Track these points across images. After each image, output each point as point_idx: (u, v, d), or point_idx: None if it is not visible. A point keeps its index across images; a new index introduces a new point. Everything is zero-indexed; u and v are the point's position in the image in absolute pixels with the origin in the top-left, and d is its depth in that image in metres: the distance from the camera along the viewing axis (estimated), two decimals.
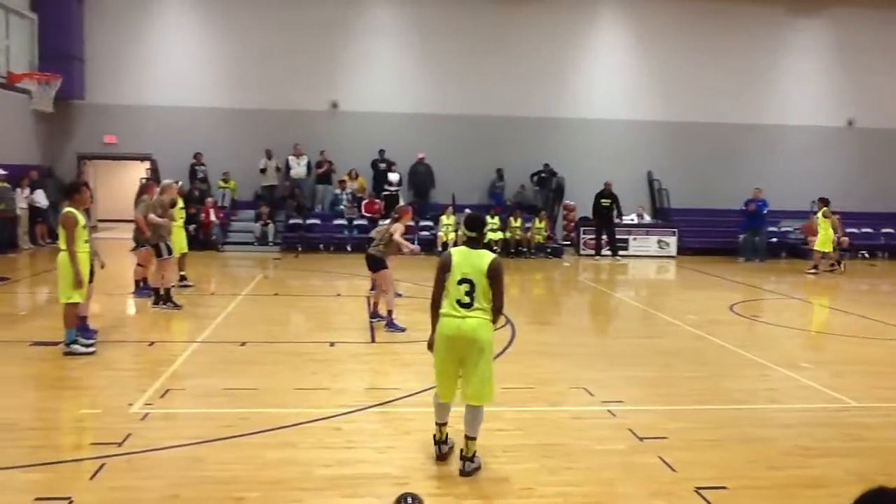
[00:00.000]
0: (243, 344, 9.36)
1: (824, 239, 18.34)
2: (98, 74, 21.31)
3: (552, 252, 21.07)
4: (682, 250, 21.61)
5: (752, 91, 23.52)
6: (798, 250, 21.83)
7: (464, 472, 5.38)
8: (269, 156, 21.10)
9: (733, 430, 6.56)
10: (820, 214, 18.64)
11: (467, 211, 20.57)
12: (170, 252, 11.88)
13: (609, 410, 6.96)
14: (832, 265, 18.76)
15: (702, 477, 5.46)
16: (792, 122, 23.67)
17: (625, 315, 13.37)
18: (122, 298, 12.48)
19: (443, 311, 5.38)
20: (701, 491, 5.21)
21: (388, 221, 11.18)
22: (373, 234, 11.12)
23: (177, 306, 11.57)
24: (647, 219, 22.48)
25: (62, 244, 8.45)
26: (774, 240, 21.93)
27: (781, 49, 23.81)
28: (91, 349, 8.55)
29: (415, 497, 4.07)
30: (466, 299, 5.30)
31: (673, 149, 23.10)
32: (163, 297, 11.62)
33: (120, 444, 5.75)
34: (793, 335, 11.40)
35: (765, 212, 20.70)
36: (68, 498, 4.82)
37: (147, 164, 21.53)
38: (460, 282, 5.30)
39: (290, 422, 6.39)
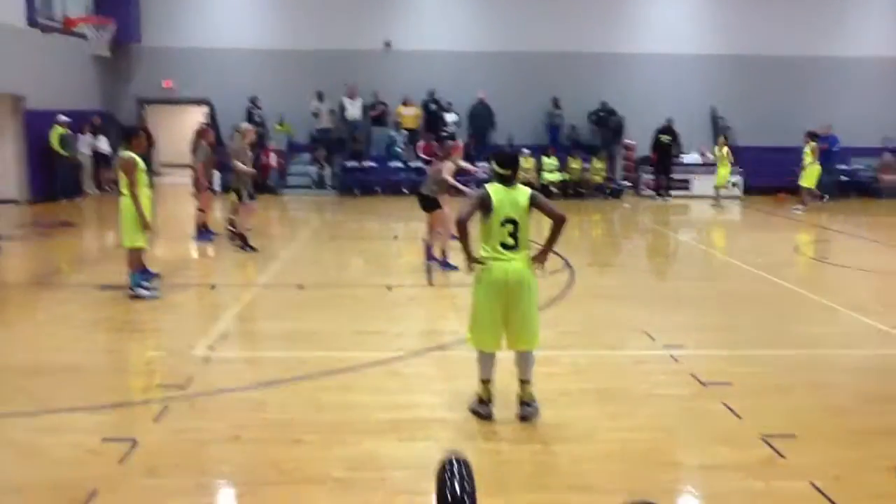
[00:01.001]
0: (302, 287, 9.40)
1: (810, 174, 17.96)
2: (153, 16, 21.38)
3: (612, 193, 20.67)
4: (748, 189, 20.97)
5: (822, 21, 22.22)
6: (869, 189, 21.02)
7: (523, 417, 5.31)
8: (320, 98, 20.95)
9: (801, 376, 6.35)
10: (807, 149, 18.04)
11: (526, 151, 20.34)
12: (251, 197, 11.81)
13: (671, 355, 6.79)
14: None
15: (768, 424, 5.29)
16: (864, 52, 22.42)
17: (687, 257, 13.06)
18: (183, 243, 12.67)
19: (485, 255, 5.18)
20: (768, 438, 5.05)
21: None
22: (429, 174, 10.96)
23: (254, 249, 11.61)
24: (711, 157, 21.79)
25: (123, 189, 8.53)
26: (844, 178, 21.08)
27: None
28: (155, 293, 8.70)
29: (460, 460, 3.91)
30: (511, 241, 5.12)
31: (738, 84, 22.14)
32: (241, 239, 11.64)
33: (183, 387, 5.84)
34: (863, 277, 10.90)
35: (835, 149, 19.91)
36: (133, 439, 4.91)
37: (204, 109, 21.64)
38: (503, 223, 5.10)
39: (348, 365, 6.40)
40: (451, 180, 10.32)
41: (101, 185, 19.53)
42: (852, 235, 14.98)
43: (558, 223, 5.20)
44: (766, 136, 21.57)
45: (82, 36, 17.24)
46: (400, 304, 8.81)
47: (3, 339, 7.48)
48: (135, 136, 8.72)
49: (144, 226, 8.51)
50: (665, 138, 20.38)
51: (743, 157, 21.27)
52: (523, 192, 5.18)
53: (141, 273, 8.84)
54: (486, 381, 5.35)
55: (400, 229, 14.62)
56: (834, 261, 11.99)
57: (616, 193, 20.74)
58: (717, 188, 19.39)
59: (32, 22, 14.68)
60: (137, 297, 8.56)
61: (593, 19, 21.86)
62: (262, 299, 9.03)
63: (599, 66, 21.93)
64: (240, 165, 11.57)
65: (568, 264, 10.84)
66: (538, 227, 5.58)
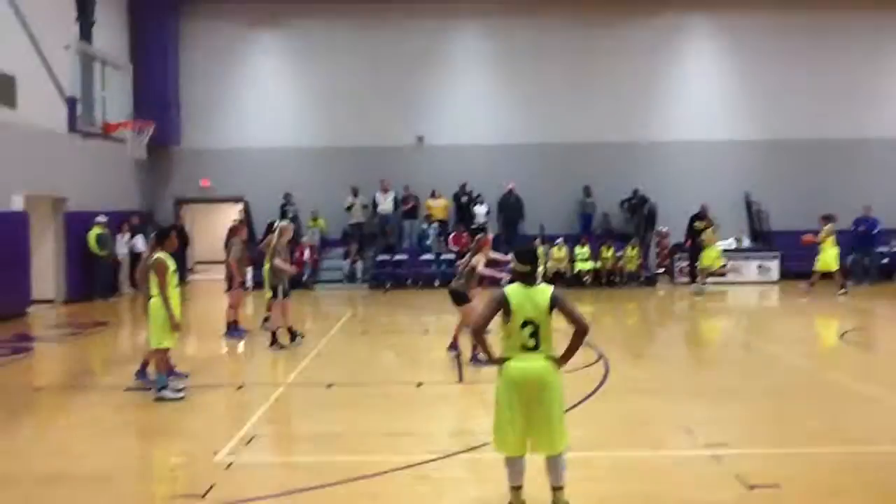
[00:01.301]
0: (330, 386, 9.23)
1: (828, 258, 17.21)
2: (193, 120, 22.08)
3: (645, 281, 20.38)
4: (786, 275, 20.56)
5: (856, 102, 22.18)
6: None
7: None
8: (354, 193, 21.28)
9: (854, 477, 5.96)
10: (823, 232, 17.43)
11: (559, 241, 20.30)
12: (286, 295, 11.75)
13: (713, 455, 6.44)
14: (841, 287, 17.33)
15: None
16: None
17: (726, 347, 12.63)
18: (213, 340, 12.62)
19: (508, 355, 5.03)
20: None
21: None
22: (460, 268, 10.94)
23: (282, 347, 11.53)
24: (747, 243, 21.52)
25: (153, 290, 8.55)
26: (885, 261, 20.60)
27: (886, 55, 22.53)
28: (180, 395, 8.58)
29: None
30: (531, 343, 4.97)
31: (772, 168, 22.07)
32: (274, 339, 11.59)
33: (203, 497, 5.64)
34: None
35: (875, 232, 19.54)
36: None
37: (240, 206, 22.01)
38: (523, 325, 4.95)
39: (375, 470, 6.15)
40: (484, 271, 10.40)
41: (137, 283, 19.74)
42: None
43: (580, 333, 5.04)
44: (803, 221, 21.23)
45: (121, 140, 17.80)
46: (430, 403, 8.57)
47: (29, 442, 7.36)
48: (166, 236, 8.80)
49: (174, 327, 8.49)
50: (699, 224, 20.19)
51: (779, 242, 20.97)
52: (544, 293, 5.02)
53: (168, 374, 8.75)
54: (516, 488, 5.09)
55: (431, 323, 14.43)
56: (881, 349, 11.52)
57: (650, 281, 20.45)
58: (702, 270, 18.84)
59: (73, 128, 15.27)
60: (163, 399, 8.45)
61: (624, 109, 22.12)
62: (290, 399, 8.85)
63: (631, 155, 22.06)
64: (280, 263, 11.63)
65: (602, 356, 10.57)
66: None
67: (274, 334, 11.64)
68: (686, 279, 20.30)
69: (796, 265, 20.53)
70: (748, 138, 22.25)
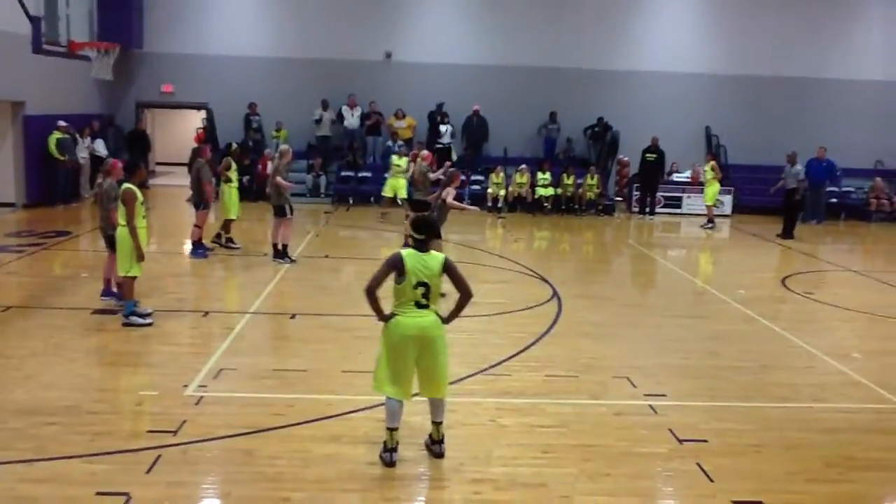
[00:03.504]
0: (293, 317, 9.60)
1: (710, 193, 19.24)
2: (156, 23, 21.46)
3: (604, 210, 20.83)
4: (739, 209, 21.22)
5: (817, 44, 22.53)
6: (859, 211, 21.29)
7: (440, 454, 5.76)
8: (324, 106, 21.11)
9: (776, 434, 6.55)
10: (707, 168, 19.31)
11: (522, 166, 20.53)
12: (292, 212, 12.65)
13: (651, 406, 7.01)
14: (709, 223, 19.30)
15: (740, 489, 5.50)
16: (859, 76, 22.67)
17: (673, 288, 13.01)
18: (178, 258, 12.80)
19: (399, 311, 5.61)
20: None
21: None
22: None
23: (293, 261, 12.57)
24: (703, 176, 21.99)
25: (121, 220, 8.69)
26: (834, 200, 21.31)
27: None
28: (149, 321, 8.86)
29: None
30: (423, 301, 5.59)
31: (733, 103, 22.38)
32: (280, 253, 12.55)
33: (175, 433, 6.01)
34: (845, 318, 10.91)
35: (838, 173, 20.47)
36: (126, 493, 5.08)
37: (203, 114, 21.73)
38: (416, 286, 5.54)
39: (336, 411, 6.60)
40: (455, 203, 10.93)
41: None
42: (839, 266, 15.05)
43: (465, 298, 5.69)
44: (759, 156, 21.86)
45: (86, 58, 17.46)
46: None
47: (1, 369, 7.60)
48: (136, 168, 8.91)
49: (139, 257, 8.69)
50: (650, 157, 20.60)
51: (734, 176, 21.53)
52: (436, 259, 5.63)
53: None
54: (393, 429, 5.70)
55: (394, 246, 14.69)
56: (818, 297, 12.10)
57: (608, 210, 20.91)
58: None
59: (37, 49, 15.20)
60: (130, 325, 8.74)
61: (592, 36, 22.10)
62: (254, 330, 9.16)
63: (597, 83, 22.15)
64: (283, 182, 12.36)
65: (556, 294, 11.05)
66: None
67: (285, 248, 12.58)
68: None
69: (748, 199, 21.26)
70: (712, 72, 22.44)
